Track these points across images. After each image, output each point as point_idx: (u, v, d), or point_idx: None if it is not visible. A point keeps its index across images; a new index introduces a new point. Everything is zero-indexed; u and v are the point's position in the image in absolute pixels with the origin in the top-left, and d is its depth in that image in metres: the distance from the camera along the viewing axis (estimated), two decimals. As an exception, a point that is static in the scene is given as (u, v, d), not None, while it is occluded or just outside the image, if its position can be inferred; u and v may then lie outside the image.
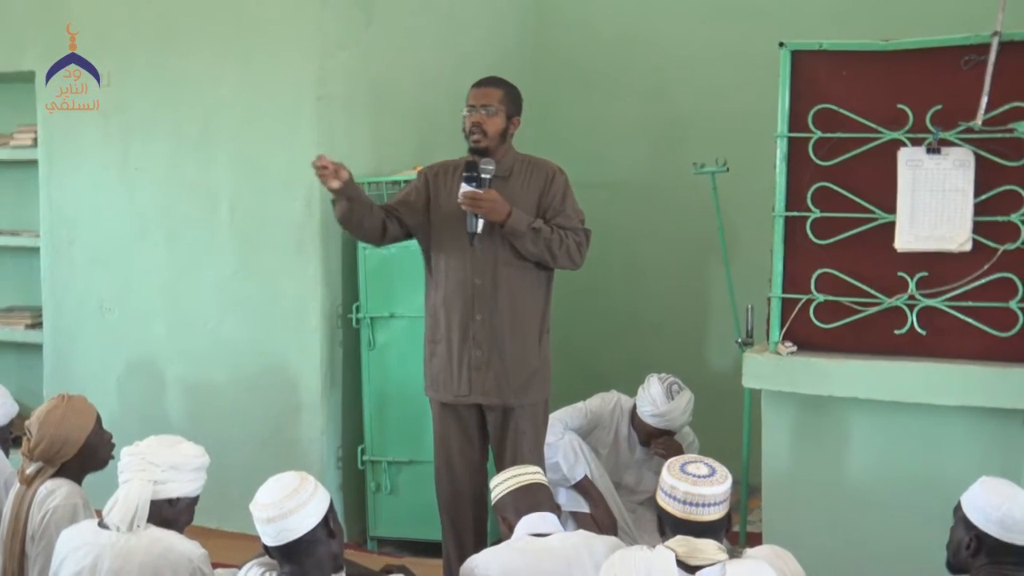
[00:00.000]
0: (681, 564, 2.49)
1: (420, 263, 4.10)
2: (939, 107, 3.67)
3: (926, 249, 3.70)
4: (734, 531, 4.51)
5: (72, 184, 5.21)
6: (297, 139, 4.70)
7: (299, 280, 4.74)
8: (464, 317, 3.90)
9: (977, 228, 3.65)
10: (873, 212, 3.76)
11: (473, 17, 5.66)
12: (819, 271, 3.82)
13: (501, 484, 3.23)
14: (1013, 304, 3.59)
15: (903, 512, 3.71)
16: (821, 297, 3.81)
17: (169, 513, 3.06)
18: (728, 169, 4.72)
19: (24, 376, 5.54)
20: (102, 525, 3.01)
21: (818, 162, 3.82)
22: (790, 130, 3.85)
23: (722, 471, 2.63)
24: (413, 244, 4.08)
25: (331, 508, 2.73)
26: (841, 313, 3.80)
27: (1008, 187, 3.61)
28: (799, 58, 3.85)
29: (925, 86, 3.71)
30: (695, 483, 2.57)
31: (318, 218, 4.68)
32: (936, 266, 3.69)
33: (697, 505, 2.56)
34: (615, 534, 4.18)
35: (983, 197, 3.64)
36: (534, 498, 3.16)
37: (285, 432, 4.81)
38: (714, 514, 2.57)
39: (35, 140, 5.33)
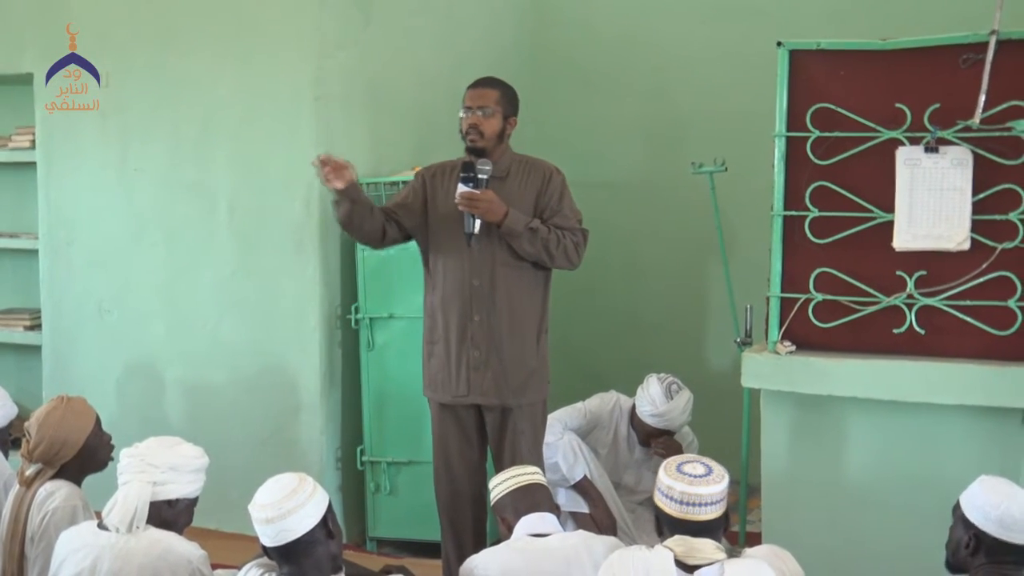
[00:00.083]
0: (679, 564, 2.50)
1: (419, 264, 4.10)
2: (937, 106, 3.67)
3: (924, 248, 3.70)
4: (733, 531, 4.51)
5: (71, 185, 5.21)
6: (296, 139, 4.70)
7: (298, 281, 4.74)
8: (462, 318, 3.90)
9: (975, 227, 3.65)
10: (871, 211, 3.76)
11: (471, 17, 5.67)
12: (818, 270, 3.82)
13: (500, 484, 3.23)
14: (1012, 303, 3.59)
15: (902, 511, 3.71)
16: (820, 296, 3.81)
17: (168, 514, 3.07)
18: (727, 169, 4.72)
19: (23, 378, 5.53)
20: (101, 526, 3.01)
21: (816, 161, 3.82)
22: (788, 129, 3.85)
23: (719, 470, 2.63)
24: (412, 245, 4.08)
25: (330, 509, 2.73)
26: (840, 312, 3.80)
27: (1006, 186, 3.61)
28: (797, 57, 3.85)
29: (923, 85, 3.71)
30: (691, 483, 2.57)
31: (317, 218, 4.69)
32: (934, 265, 3.69)
33: (694, 505, 2.56)
34: (614, 534, 4.18)
35: (981, 196, 3.64)
36: (533, 498, 3.16)
37: (284, 433, 4.81)
38: (711, 513, 2.57)
39: (33, 142, 5.32)
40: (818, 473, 3.85)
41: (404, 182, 4.51)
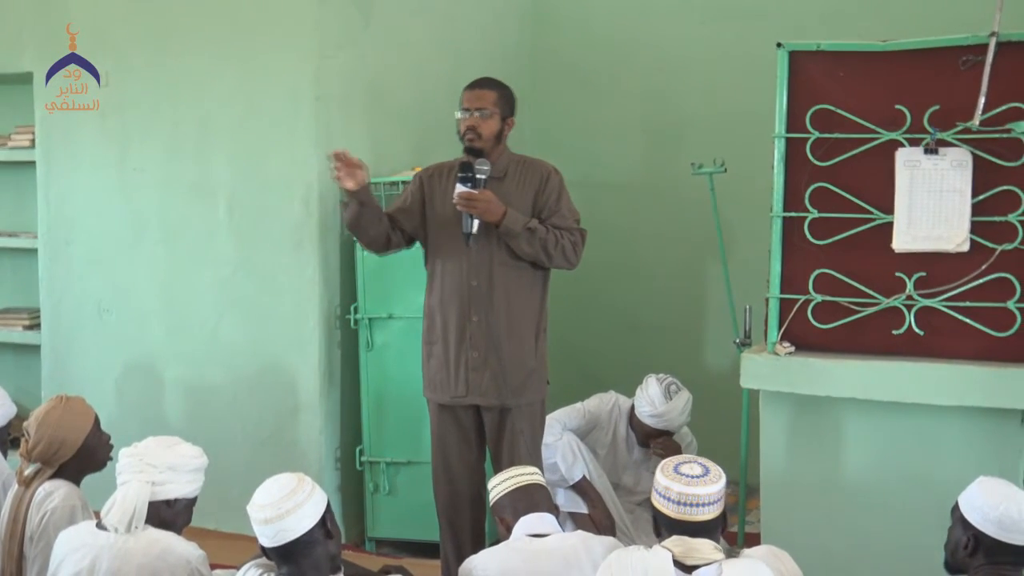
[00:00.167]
0: (678, 564, 2.50)
1: (419, 264, 4.11)
2: (937, 107, 3.67)
3: (924, 249, 3.69)
4: (732, 531, 4.51)
5: (70, 185, 5.21)
6: (295, 139, 4.70)
7: (297, 281, 4.74)
8: (461, 318, 3.90)
9: (975, 228, 3.64)
10: (871, 212, 3.76)
11: (471, 18, 5.67)
12: (817, 271, 3.81)
13: (499, 485, 3.23)
14: (1011, 304, 3.59)
15: (901, 512, 3.71)
16: (819, 297, 3.81)
17: (167, 514, 3.07)
18: (726, 169, 4.72)
19: (22, 377, 5.53)
20: (100, 526, 3.01)
21: (816, 162, 3.81)
22: (788, 131, 3.85)
23: (716, 470, 2.63)
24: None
25: (328, 509, 2.74)
26: (839, 313, 3.80)
27: (1006, 187, 3.61)
28: (796, 59, 3.85)
29: (923, 86, 3.71)
30: (689, 483, 2.57)
31: (316, 218, 4.69)
32: (934, 266, 3.69)
33: (691, 505, 2.56)
34: (613, 535, 4.19)
35: (981, 197, 3.64)
36: (532, 499, 3.17)
37: (283, 433, 4.81)
38: (709, 514, 2.57)
39: (33, 141, 5.32)
40: (817, 474, 3.85)
41: (404, 182, 4.52)
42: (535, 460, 3.91)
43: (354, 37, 4.87)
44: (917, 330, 3.70)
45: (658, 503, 2.62)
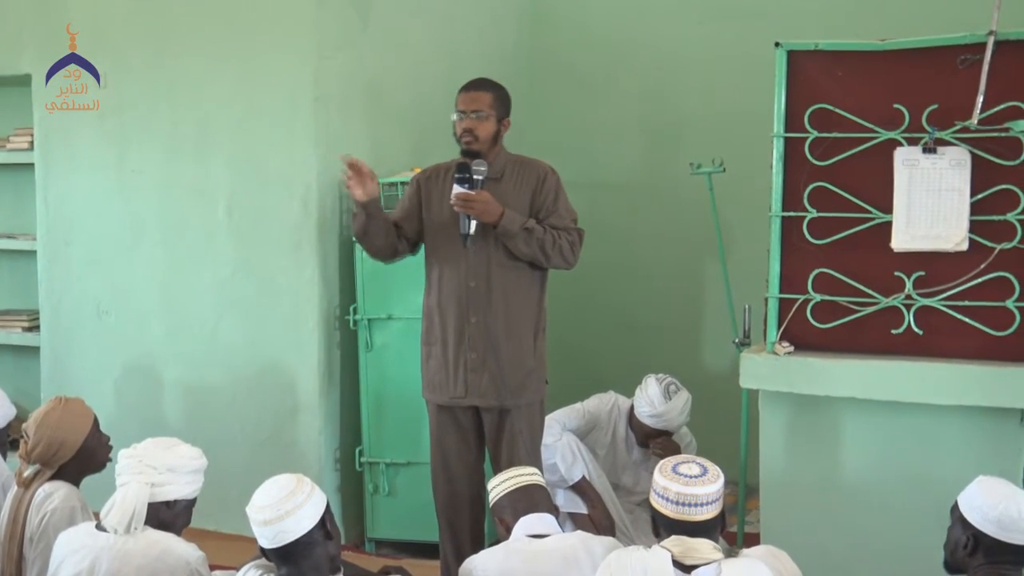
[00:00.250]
0: (677, 564, 2.50)
1: (417, 265, 4.11)
2: (935, 106, 3.67)
3: (923, 249, 3.70)
4: (731, 531, 4.52)
5: (69, 186, 5.21)
6: (294, 140, 4.70)
7: (296, 281, 4.74)
8: (459, 320, 3.90)
9: (974, 227, 3.65)
10: (870, 212, 3.76)
11: (469, 19, 5.67)
12: (816, 271, 3.82)
13: (499, 486, 3.23)
14: (1010, 303, 3.59)
15: (900, 512, 3.71)
16: (818, 297, 3.81)
17: (167, 515, 3.07)
18: (725, 169, 4.73)
19: (21, 379, 5.53)
20: (100, 527, 3.01)
21: (814, 162, 3.82)
22: (786, 130, 3.85)
23: (714, 470, 2.63)
24: (410, 246, 4.11)
25: (328, 510, 2.74)
26: (838, 313, 3.80)
27: (1004, 186, 3.61)
28: (795, 58, 3.85)
29: (921, 86, 3.71)
30: (687, 483, 2.58)
31: (315, 219, 4.69)
32: (933, 266, 3.69)
33: (690, 505, 2.56)
34: (613, 535, 4.19)
35: (979, 196, 3.64)
36: (532, 499, 3.17)
37: (283, 434, 4.81)
38: (707, 513, 2.58)
39: (32, 143, 5.32)
40: (816, 474, 3.85)
41: (402, 183, 4.53)
42: (534, 460, 3.91)
43: (353, 38, 4.87)
44: (916, 329, 3.70)
45: (656, 503, 2.62)
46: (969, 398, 3.58)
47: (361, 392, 4.75)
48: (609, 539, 3.13)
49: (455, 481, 4.01)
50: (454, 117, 3.92)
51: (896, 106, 3.72)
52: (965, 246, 3.65)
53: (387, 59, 5.08)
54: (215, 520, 4.55)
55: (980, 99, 3.56)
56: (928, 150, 3.68)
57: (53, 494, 3.25)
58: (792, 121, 3.85)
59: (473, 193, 3.78)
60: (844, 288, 3.79)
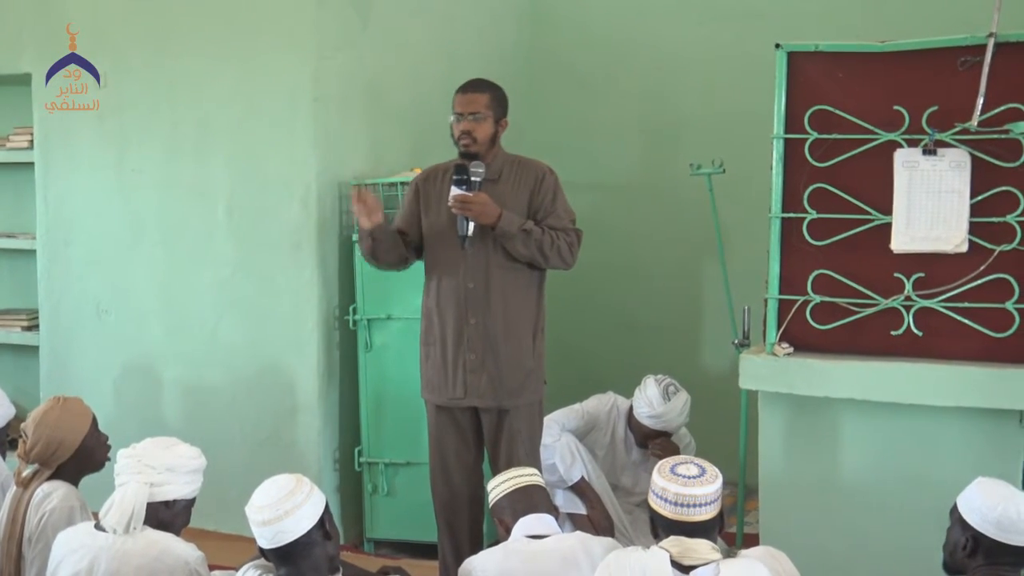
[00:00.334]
0: (675, 564, 2.50)
1: (417, 265, 4.11)
2: (935, 108, 3.67)
3: (922, 250, 3.70)
4: (731, 532, 4.51)
5: (68, 186, 5.21)
6: (294, 140, 4.70)
7: (296, 281, 4.73)
8: (458, 321, 3.90)
9: (973, 229, 3.65)
10: (869, 213, 3.76)
11: (469, 19, 5.67)
12: (815, 272, 3.82)
13: (498, 486, 3.23)
14: (1009, 305, 3.59)
15: (900, 513, 3.71)
16: (817, 298, 3.81)
17: (166, 515, 3.06)
18: (724, 170, 4.72)
19: (21, 378, 5.53)
20: (99, 527, 3.01)
21: (814, 163, 3.81)
22: (786, 131, 3.85)
23: (712, 471, 2.63)
24: (409, 246, 4.10)
25: (327, 510, 2.74)
26: (838, 314, 3.80)
27: (1004, 188, 3.61)
28: (795, 59, 3.85)
29: (921, 87, 3.71)
30: (685, 484, 2.58)
31: (315, 219, 4.68)
32: (932, 267, 3.69)
33: (688, 506, 2.56)
34: (612, 535, 4.19)
35: (979, 198, 3.64)
36: (531, 500, 3.17)
37: (282, 434, 4.81)
38: (706, 514, 2.58)
39: (31, 142, 5.33)
40: (816, 475, 3.85)
41: (402, 183, 4.53)
42: (533, 461, 3.91)
43: (352, 38, 4.87)
44: (916, 331, 3.70)
45: (655, 504, 2.62)
46: (968, 399, 3.58)
47: (360, 392, 4.75)
48: (608, 540, 3.13)
49: (454, 481, 4.01)
50: (452, 119, 3.92)
51: (896, 108, 3.72)
52: (965, 248, 3.65)
53: (387, 59, 5.08)
54: (214, 520, 4.55)
55: (980, 101, 3.56)
56: (928, 152, 3.68)
57: (52, 494, 3.25)
58: (792, 122, 3.85)
59: (471, 195, 3.78)
60: (844, 289, 3.79)
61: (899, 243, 3.72)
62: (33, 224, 5.36)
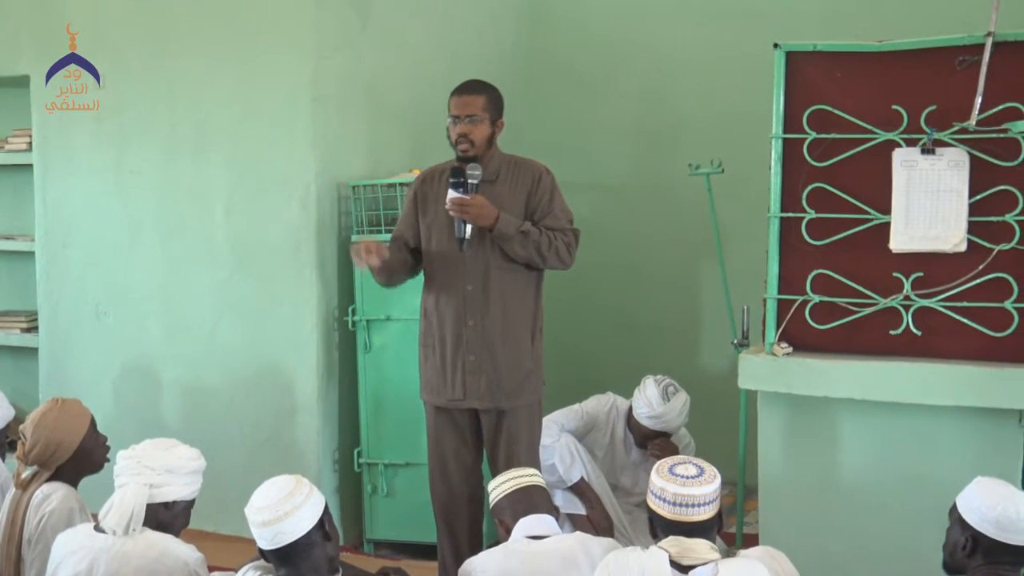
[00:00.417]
0: (674, 564, 2.50)
1: (415, 266, 4.11)
2: (933, 108, 3.67)
3: (921, 250, 3.70)
4: (730, 532, 4.51)
5: (67, 187, 5.21)
6: (293, 141, 4.70)
7: (295, 282, 4.73)
8: (456, 322, 3.90)
9: (972, 228, 3.65)
10: (868, 213, 3.76)
11: (468, 19, 5.67)
12: (814, 272, 3.82)
13: (499, 487, 3.23)
14: (1008, 304, 3.60)
15: (899, 513, 3.71)
16: (816, 298, 3.81)
17: (165, 516, 3.07)
18: (723, 170, 4.72)
19: (20, 380, 5.53)
20: (98, 529, 3.01)
21: (813, 163, 3.81)
22: (785, 131, 3.85)
23: (710, 471, 2.64)
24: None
25: (326, 511, 2.74)
26: (837, 314, 3.80)
27: (1003, 187, 3.61)
28: (793, 59, 3.85)
29: (919, 87, 3.71)
30: (684, 484, 2.58)
31: (314, 220, 4.68)
32: (931, 266, 3.69)
33: (687, 506, 2.57)
34: (611, 536, 4.19)
35: (978, 197, 3.64)
36: (531, 500, 3.17)
37: (281, 435, 4.81)
38: (704, 514, 2.58)
39: (30, 144, 5.33)
40: (815, 475, 3.85)
41: (401, 184, 4.53)
42: (533, 461, 3.91)
43: (351, 38, 4.87)
44: (915, 330, 3.70)
45: (653, 504, 2.62)
46: (967, 399, 3.58)
47: (360, 393, 4.75)
48: (608, 540, 3.13)
49: (453, 482, 4.00)
50: (448, 121, 3.91)
51: (894, 107, 3.72)
52: (963, 247, 3.65)
53: (386, 59, 5.08)
54: (214, 521, 4.55)
55: (978, 100, 3.56)
56: (926, 151, 3.68)
57: (51, 495, 3.25)
58: (791, 122, 3.85)
59: (468, 198, 3.77)
60: (842, 289, 3.79)
61: (898, 242, 3.72)
62: (32, 226, 5.36)
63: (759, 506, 3.98)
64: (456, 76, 4.14)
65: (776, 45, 3.87)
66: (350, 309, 4.74)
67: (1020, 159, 3.59)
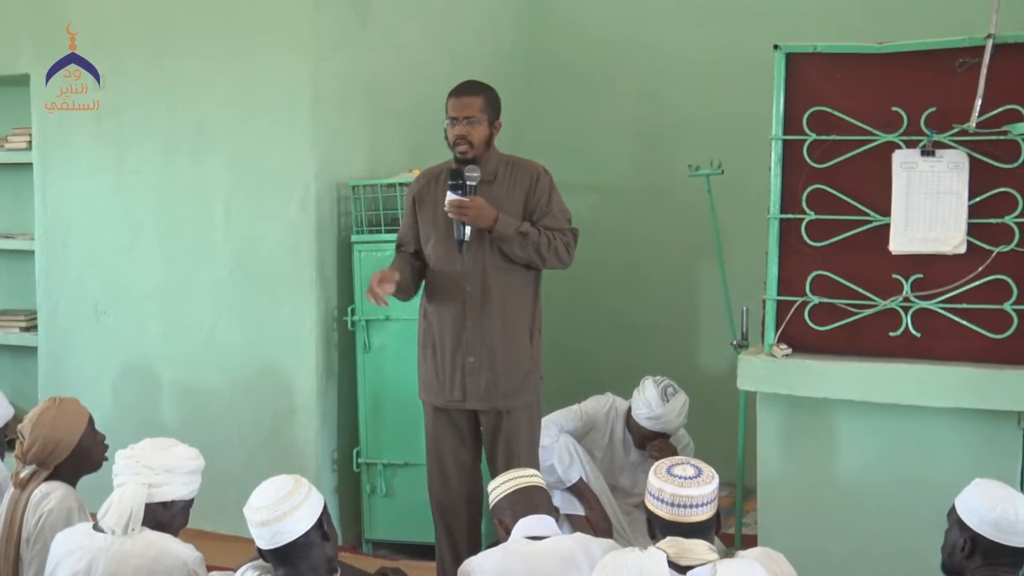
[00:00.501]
0: (672, 565, 2.50)
1: (414, 265, 4.11)
2: (933, 109, 3.67)
3: (920, 251, 3.69)
4: (729, 533, 4.52)
5: (67, 187, 5.21)
6: (292, 141, 4.70)
7: (294, 282, 4.73)
8: (456, 324, 3.90)
9: (971, 230, 3.65)
10: (868, 214, 3.76)
11: (467, 19, 5.67)
12: (814, 273, 3.81)
13: (499, 487, 3.23)
14: (1007, 306, 3.59)
15: (898, 514, 3.70)
16: (816, 299, 3.81)
17: (164, 516, 3.07)
18: (723, 171, 4.72)
19: (19, 379, 5.53)
20: (97, 528, 3.01)
21: (813, 164, 3.81)
22: (785, 132, 3.85)
23: (708, 471, 2.64)
24: (407, 247, 4.10)
25: (325, 511, 2.74)
26: (836, 315, 3.79)
27: (1002, 189, 3.61)
28: (793, 60, 3.85)
29: (919, 88, 3.71)
30: (682, 485, 2.58)
31: (313, 220, 4.68)
32: (930, 268, 3.69)
33: (685, 507, 2.57)
34: (610, 536, 4.19)
35: (977, 199, 3.64)
36: (531, 501, 3.17)
37: (280, 435, 4.81)
38: (702, 515, 2.58)
39: (30, 143, 5.33)
40: (814, 476, 3.85)
41: (401, 184, 4.53)
42: (532, 461, 3.91)
43: (351, 38, 4.87)
44: (914, 332, 3.70)
45: (651, 505, 2.62)
46: (967, 401, 3.58)
47: (359, 393, 4.75)
48: (608, 541, 3.13)
49: (451, 482, 4.00)
50: (446, 123, 3.91)
51: (894, 109, 3.72)
52: (963, 249, 3.65)
53: (386, 59, 5.08)
54: (212, 521, 4.55)
55: (978, 102, 3.56)
56: (926, 153, 3.68)
57: (50, 494, 3.25)
58: (791, 123, 3.84)
59: (466, 200, 3.78)
60: (842, 290, 3.78)
61: (897, 244, 3.72)
62: (31, 225, 5.36)
63: (758, 507, 3.98)
64: (456, 76, 4.14)
65: (776, 46, 3.86)
66: (349, 309, 4.74)
67: (1020, 161, 3.59)
